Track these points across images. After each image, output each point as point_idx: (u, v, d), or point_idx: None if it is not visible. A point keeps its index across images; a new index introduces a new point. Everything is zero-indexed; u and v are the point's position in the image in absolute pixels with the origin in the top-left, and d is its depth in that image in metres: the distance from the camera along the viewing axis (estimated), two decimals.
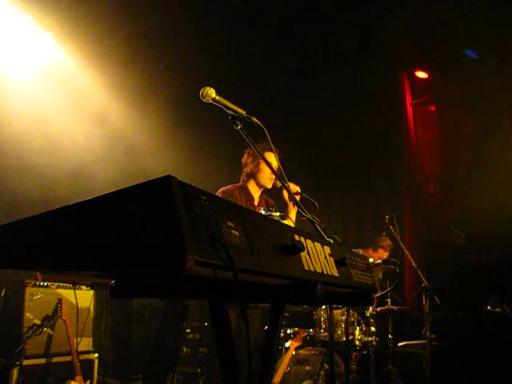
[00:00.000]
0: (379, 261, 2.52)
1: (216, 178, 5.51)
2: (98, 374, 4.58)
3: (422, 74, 7.73)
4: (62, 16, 5.14)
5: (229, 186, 3.91)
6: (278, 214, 3.35)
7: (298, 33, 6.52)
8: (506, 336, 4.82)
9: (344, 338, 4.65)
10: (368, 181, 7.44)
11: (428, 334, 4.69)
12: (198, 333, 5.80)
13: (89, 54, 5.51)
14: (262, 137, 2.41)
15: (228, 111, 2.31)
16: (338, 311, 4.82)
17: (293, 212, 3.69)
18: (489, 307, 5.31)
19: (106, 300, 5.26)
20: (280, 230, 1.36)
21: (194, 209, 1.01)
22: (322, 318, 4.92)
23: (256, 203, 3.96)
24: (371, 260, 2.52)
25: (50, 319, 4.12)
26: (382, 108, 7.15)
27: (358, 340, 4.85)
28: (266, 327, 1.62)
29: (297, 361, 4.71)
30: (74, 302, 4.25)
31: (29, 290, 4.09)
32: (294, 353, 4.65)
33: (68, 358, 4.07)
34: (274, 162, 3.27)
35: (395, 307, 5.12)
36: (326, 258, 1.55)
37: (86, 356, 4.40)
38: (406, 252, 5.08)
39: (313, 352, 4.74)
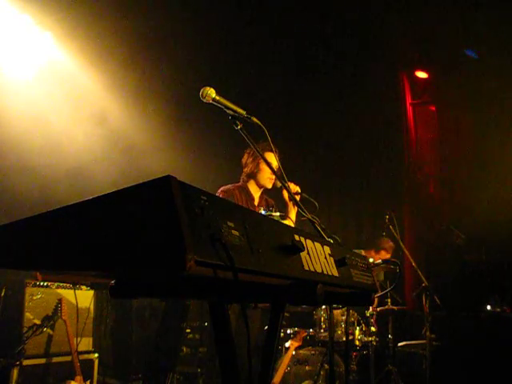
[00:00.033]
0: (379, 261, 2.52)
1: (216, 178, 5.52)
2: (98, 373, 4.58)
3: (422, 74, 7.73)
4: (62, 16, 5.14)
5: (229, 186, 3.91)
6: (277, 214, 3.34)
7: (298, 33, 6.52)
8: (506, 336, 4.82)
9: (344, 338, 4.65)
10: (368, 181, 7.44)
11: (428, 334, 4.69)
12: (198, 333, 5.79)
13: (89, 54, 5.51)
14: (262, 137, 2.41)
15: (228, 111, 2.31)
16: (338, 311, 4.82)
17: (293, 212, 3.69)
18: (489, 307, 5.31)
19: (106, 300, 5.26)
20: (280, 229, 1.36)
21: (194, 209, 1.01)
22: (322, 318, 4.92)
23: (256, 203, 3.96)
24: (371, 260, 2.52)
25: (50, 319, 4.12)
26: (382, 108, 7.14)
27: (358, 340, 4.85)
28: (266, 327, 1.62)
29: (297, 361, 4.71)
30: (74, 301, 4.24)
31: (29, 290, 4.09)
32: (294, 353, 4.65)
33: (68, 358, 4.06)
34: (274, 162, 3.27)
35: (395, 307, 5.12)
36: (325, 258, 1.55)
37: (85, 356, 4.40)
38: (406, 252, 5.09)
39: (313, 352, 4.74)
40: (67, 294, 4.28)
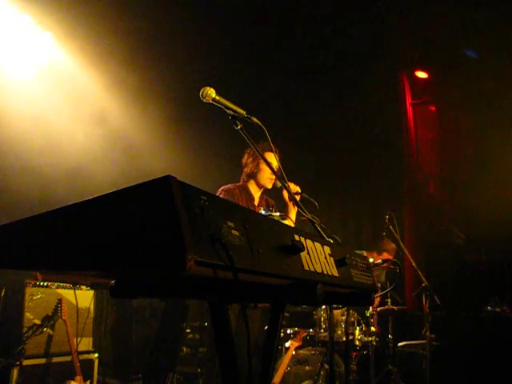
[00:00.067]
0: (379, 261, 2.52)
1: (216, 178, 5.51)
2: (98, 373, 4.58)
3: (422, 74, 7.73)
4: (62, 16, 5.14)
5: (230, 185, 3.92)
6: (277, 214, 3.34)
7: (298, 33, 6.52)
8: (506, 336, 4.82)
9: (344, 338, 4.66)
10: (368, 181, 7.44)
11: (428, 334, 4.69)
12: (198, 333, 5.80)
13: (89, 54, 5.52)
14: (262, 137, 2.41)
15: (228, 111, 2.31)
16: (338, 311, 4.82)
17: (293, 212, 3.69)
18: (489, 307, 5.31)
19: (106, 300, 5.26)
20: (280, 229, 1.36)
21: (194, 209, 1.01)
22: (322, 318, 4.92)
23: (256, 203, 3.96)
24: (371, 260, 2.52)
25: (50, 319, 4.12)
26: (382, 108, 7.14)
27: (358, 340, 4.85)
28: (266, 327, 1.62)
29: (297, 361, 4.71)
30: (74, 302, 4.25)
31: (29, 290, 4.09)
32: (294, 353, 4.65)
33: (68, 358, 4.06)
34: (274, 162, 3.27)
35: (395, 307, 5.12)
36: (325, 258, 1.55)
37: (86, 356, 4.40)
38: (406, 252, 5.08)
39: (313, 352, 4.74)
40: (67, 293, 4.28)
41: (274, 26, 6.44)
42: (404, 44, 6.87)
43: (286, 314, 5.58)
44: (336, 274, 1.57)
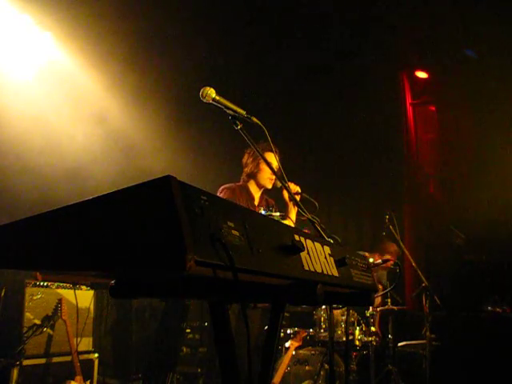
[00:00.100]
0: (379, 261, 2.52)
1: (216, 178, 5.51)
2: (98, 374, 4.58)
3: (422, 74, 7.73)
4: (61, 16, 5.14)
5: (231, 184, 3.92)
6: (277, 213, 3.35)
7: (298, 33, 6.52)
8: (506, 336, 4.82)
9: (344, 338, 4.66)
10: (368, 181, 7.44)
11: (428, 334, 4.69)
12: (198, 333, 5.80)
13: (89, 54, 5.51)
14: (262, 137, 2.41)
15: (228, 111, 2.31)
16: (338, 311, 4.82)
17: (293, 212, 3.69)
18: (489, 307, 5.31)
19: (106, 300, 5.26)
20: (280, 229, 1.36)
21: (194, 209, 1.01)
22: (322, 318, 4.92)
23: (256, 203, 3.96)
24: (371, 260, 2.52)
25: (49, 319, 4.12)
26: (382, 108, 7.14)
27: (358, 340, 4.85)
28: (266, 327, 1.62)
29: (297, 361, 4.71)
30: (74, 302, 4.24)
31: (29, 290, 4.09)
32: (294, 353, 4.65)
33: (68, 358, 4.06)
34: (274, 162, 3.27)
35: (395, 307, 5.12)
36: (325, 257, 1.55)
37: (85, 356, 4.40)
38: (406, 252, 5.08)
39: (313, 352, 4.74)
40: (67, 293, 4.28)
41: (273, 25, 6.44)
42: (404, 44, 6.87)
43: (286, 314, 5.58)
44: (336, 274, 1.57)
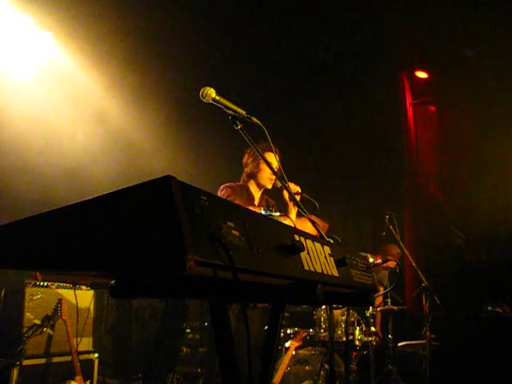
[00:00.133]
0: (379, 261, 2.52)
1: (216, 178, 5.51)
2: (98, 373, 4.58)
3: (422, 74, 7.73)
4: (61, 16, 5.14)
5: (231, 183, 3.93)
6: (277, 214, 3.34)
7: (298, 33, 6.52)
8: (506, 336, 4.82)
9: (344, 338, 4.66)
10: (368, 181, 7.44)
11: (428, 334, 4.69)
12: (198, 333, 5.80)
13: (89, 54, 5.51)
14: (262, 137, 2.41)
15: (228, 111, 2.31)
16: (338, 311, 4.82)
17: (293, 212, 3.69)
18: (489, 307, 5.31)
19: (106, 300, 5.26)
20: (280, 229, 1.36)
21: (194, 209, 1.01)
22: (322, 318, 4.92)
23: (256, 203, 3.96)
24: (371, 260, 2.52)
25: (49, 319, 4.11)
26: (382, 108, 7.14)
27: (358, 340, 4.85)
28: (266, 327, 1.62)
29: (297, 361, 4.71)
30: (74, 302, 4.24)
31: (29, 290, 4.09)
32: (294, 353, 4.65)
33: (68, 358, 4.06)
34: (274, 163, 3.27)
35: (395, 307, 5.13)
36: (326, 257, 1.55)
37: (86, 356, 4.40)
38: (406, 252, 5.08)
39: (313, 352, 4.74)
40: (67, 293, 4.28)
41: (273, 26, 6.44)
42: (404, 44, 6.87)
43: (286, 314, 5.58)
44: (336, 274, 1.57)
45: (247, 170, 3.96)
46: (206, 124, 5.93)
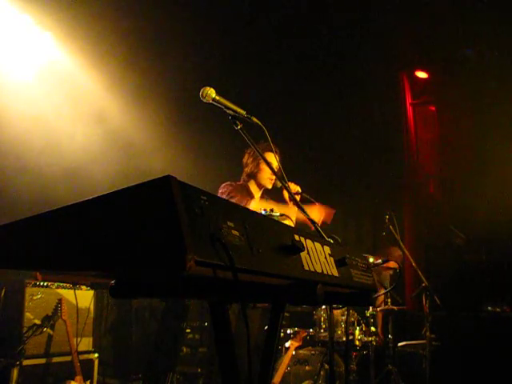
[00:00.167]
0: (379, 261, 2.52)
1: (216, 178, 5.51)
2: (98, 373, 4.58)
3: (422, 74, 7.73)
4: (61, 16, 5.14)
5: (232, 182, 3.93)
6: (278, 214, 3.34)
7: (298, 33, 6.52)
8: (506, 336, 4.82)
9: (344, 338, 4.66)
10: (368, 181, 7.44)
11: (428, 334, 4.69)
12: (198, 333, 5.80)
13: (89, 54, 5.51)
14: (262, 137, 2.41)
15: (228, 111, 2.31)
16: (338, 311, 4.82)
17: (293, 211, 3.68)
18: (489, 307, 5.31)
19: (106, 300, 5.26)
20: (280, 229, 1.36)
21: (194, 209, 1.01)
22: (322, 318, 4.92)
23: None
24: (371, 260, 2.53)
25: (49, 319, 4.11)
26: (382, 108, 7.14)
27: (358, 340, 4.85)
28: (266, 327, 1.62)
29: (297, 361, 4.71)
30: (74, 302, 4.24)
31: (29, 290, 4.09)
32: (294, 353, 4.65)
33: (68, 358, 4.06)
34: (274, 163, 3.27)
35: (395, 307, 5.12)
36: (326, 257, 1.55)
37: (85, 356, 4.40)
38: (406, 252, 5.08)
39: (313, 352, 4.74)
40: (67, 293, 4.28)
41: (273, 26, 6.44)
42: (404, 44, 6.87)
43: (286, 314, 5.58)
44: (336, 274, 1.57)
45: (247, 169, 3.96)
46: (206, 124, 5.93)
